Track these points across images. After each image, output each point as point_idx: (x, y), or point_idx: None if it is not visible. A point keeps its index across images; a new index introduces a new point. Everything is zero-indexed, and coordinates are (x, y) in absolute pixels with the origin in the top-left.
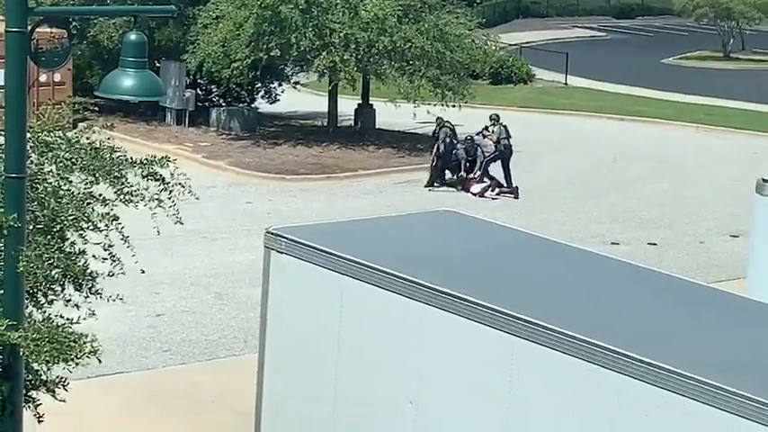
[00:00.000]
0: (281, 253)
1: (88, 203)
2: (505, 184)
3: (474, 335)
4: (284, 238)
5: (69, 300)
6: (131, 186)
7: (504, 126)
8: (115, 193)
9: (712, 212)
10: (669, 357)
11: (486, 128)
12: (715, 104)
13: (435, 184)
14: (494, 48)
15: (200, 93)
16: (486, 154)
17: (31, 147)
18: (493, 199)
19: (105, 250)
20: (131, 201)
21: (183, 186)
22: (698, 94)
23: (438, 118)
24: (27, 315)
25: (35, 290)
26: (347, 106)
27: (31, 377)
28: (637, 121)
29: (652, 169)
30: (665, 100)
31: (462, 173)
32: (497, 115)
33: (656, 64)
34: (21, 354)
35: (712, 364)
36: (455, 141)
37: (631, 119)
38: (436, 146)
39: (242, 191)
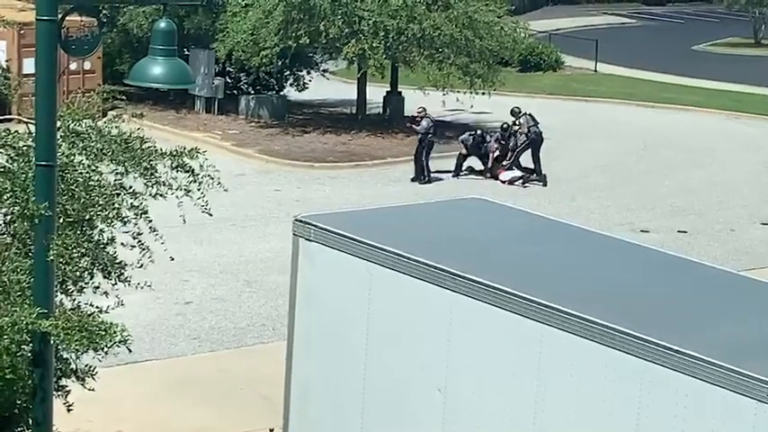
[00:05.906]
0: (310, 241)
1: (118, 194)
2: (534, 172)
3: (502, 322)
4: (313, 225)
5: (98, 286)
6: (160, 177)
7: (530, 115)
8: (145, 184)
9: (743, 199)
10: (696, 344)
11: (515, 123)
12: (746, 91)
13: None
14: (523, 35)
15: (229, 81)
16: (519, 142)
17: (61, 137)
18: (522, 186)
19: (134, 239)
20: (160, 194)
21: (213, 178)
22: (728, 81)
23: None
24: (57, 303)
25: (65, 278)
26: (376, 94)
27: (60, 366)
28: (667, 108)
29: (682, 156)
30: (696, 87)
31: (492, 157)
32: (518, 108)
33: (687, 51)
34: (51, 342)
35: (740, 350)
36: (484, 134)
37: (661, 106)
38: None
39: (271, 179)
